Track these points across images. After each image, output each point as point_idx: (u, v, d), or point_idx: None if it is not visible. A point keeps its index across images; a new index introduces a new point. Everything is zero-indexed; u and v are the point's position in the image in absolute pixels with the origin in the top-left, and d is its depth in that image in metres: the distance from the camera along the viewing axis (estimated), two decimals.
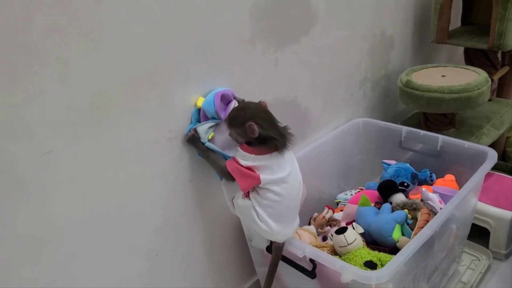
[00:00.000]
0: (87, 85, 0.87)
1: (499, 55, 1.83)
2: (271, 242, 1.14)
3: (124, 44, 0.90)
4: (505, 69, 1.80)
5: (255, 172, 0.97)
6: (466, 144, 1.38)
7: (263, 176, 0.97)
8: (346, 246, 1.12)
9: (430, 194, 1.28)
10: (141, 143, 1.00)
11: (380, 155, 1.58)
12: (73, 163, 0.89)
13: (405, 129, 1.52)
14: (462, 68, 1.65)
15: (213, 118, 1.06)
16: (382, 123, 1.58)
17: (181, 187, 1.12)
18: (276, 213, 1.00)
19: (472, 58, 1.82)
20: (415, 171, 1.43)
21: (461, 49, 2.18)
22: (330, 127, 1.57)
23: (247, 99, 1.11)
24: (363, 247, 1.14)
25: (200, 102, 1.07)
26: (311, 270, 1.05)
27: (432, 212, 1.18)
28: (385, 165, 1.48)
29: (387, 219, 1.17)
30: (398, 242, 1.15)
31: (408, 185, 1.40)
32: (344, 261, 1.08)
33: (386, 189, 1.34)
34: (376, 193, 1.38)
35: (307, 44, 1.35)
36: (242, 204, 1.02)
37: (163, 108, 1.01)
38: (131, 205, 1.02)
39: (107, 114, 0.91)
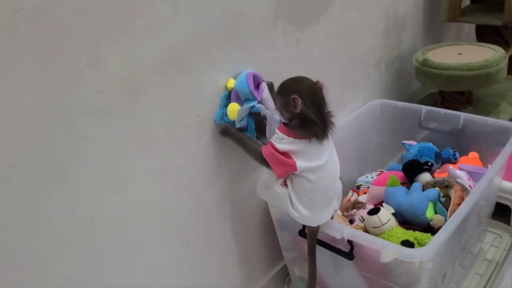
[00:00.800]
0: (118, 68, 0.83)
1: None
2: (304, 226, 1.12)
3: (153, 24, 0.87)
4: None
5: (292, 158, 0.93)
6: (489, 120, 1.37)
7: (300, 163, 0.92)
8: (380, 226, 1.10)
9: (457, 171, 1.27)
10: (172, 128, 0.96)
11: (398, 136, 1.56)
12: (108, 150, 0.85)
13: (425, 108, 1.50)
14: (477, 45, 1.64)
15: (247, 100, 1.02)
16: (400, 103, 1.56)
17: (210, 174, 1.09)
18: (309, 201, 0.97)
19: (484, 35, 1.81)
20: (438, 150, 1.41)
21: (468, 27, 2.17)
22: (348, 110, 1.54)
23: (273, 82, 1.08)
24: (397, 227, 1.12)
25: (231, 83, 1.04)
26: (349, 252, 1.03)
27: (465, 189, 1.17)
28: (407, 146, 1.46)
29: (419, 198, 1.15)
30: (432, 220, 1.13)
31: (432, 164, 1.38)
32: None
33: (412, 169, 1.32)
34: (401, 173, 1.36)
35: (326, 24, 1.33)
36: (280, 191, 0.99)
37: (192, 91, 0.98)
38: (163, 193, 0.99)
39: (138, 98, 0.88)
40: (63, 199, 0.81)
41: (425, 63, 1.54)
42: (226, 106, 1.05)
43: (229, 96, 1.06)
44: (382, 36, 1.62)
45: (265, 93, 1.05)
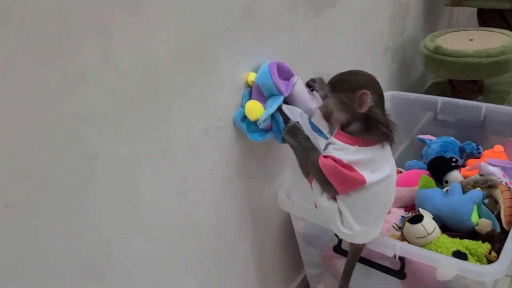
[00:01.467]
0: (133, 62, 0.65)
1: None
2: (340, 241, 0.97)
3: (170, 7, 0.68)
4: None
5: (356, 171, 0.76)
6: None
7: (368, 176, 0.77)
8: (426, 236, 0.97)
9: (490, 168, 1.16)
10: (192, 136, 0.79)
11: (411, 131, 1.45)
12: (122, 167, 0.67)
13: (441, 99, 1.39)
14: (487, 30, 1.55)
15: (272, 95, 0.86)
16: (413, 95, 1.44)
17: (230, 186, 0.92)
18: (366, 216, 0.82)
19: (487, 20, 1.73)
20: (462, 144, 1.31)
21: (466, 13, 2.10)
22: None
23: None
24: (443, 235, 0.99)
25: (252, 77, 0.87)
26: (400, 270, 0.89)
27: (509, 188, 1.06)
28: (427, 141, 1.34)
29: (463, 201, 1.03)
30: (477, 225, 1.02)
31: (457, 161, 1.27)
32: None
33: (440, 167, 1.20)
34: (425, 172, 1.24)
35: (341, 8, 1.18)
36: (326, 205, 0.82)
37: (212, 88, 0.81)
38: (183, 212, 0.82)
39: (156, 99, 0.70)
40: (69, 238, 0.62)
41: (437, 50, 1.43)
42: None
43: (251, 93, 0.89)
44: (390, 22, 1.50)
45: (298, 88, 0.88)
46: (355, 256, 0.91)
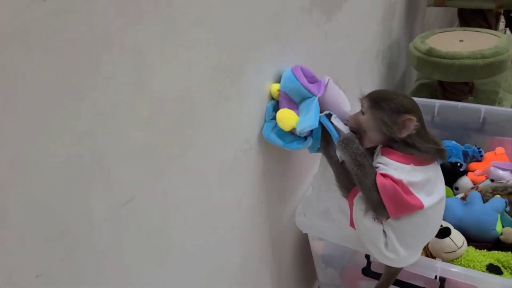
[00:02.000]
0: (166, 86, 0.55)
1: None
2: (369, 263, 0.91)
3: (205, 20, 0.59)
4: None
5: (414, 195, 0.69)
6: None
7: (425, 200, 0.70)
8: (455, 251, 0.93)
9: (501, 172, 1.15)
10: (222, 163, 0.70)
11: None
12: (157, 208, 0.57)
13: (438, 103, 1.36)
14: (474, 31, 1.55)
15: (304, 99, 0.77)
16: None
17: (255, 213, 0.84)
18: (414, 241, 0.75)
19: (469, 20, 1.73)
20: (464, 148, 1.29)
21: (432, 13, 2.11)
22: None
23: None
24: (470, 248, 0.96)
25: (276, 87, 0.78)
26: None
27: None
28: None
29: (486, 210, 1.00)
30: (502, 234, 0.99)
31: (461, 165, 1.25)
32: None
33: (450, 174, 1.17)
34: None
35: (346, 12, 1.11)
36: (371, 226, 0.74)
37: (240, 108, 0.72)
38: (214, 249, 0.72)
39: (190, 126, 0.60)
40: None
41: (431, 52, 1.40)
42: (274, 118, 0.79)
43: (276, 106, 0.80)
44: (381, 25, 1.46)
45: (331, 89, 0.80)
46: (391, 279, 0.85)
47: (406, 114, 0.69)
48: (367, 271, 0.91)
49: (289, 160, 0.94)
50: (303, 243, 1.05)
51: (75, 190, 0.45)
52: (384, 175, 0.70)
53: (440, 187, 0.74)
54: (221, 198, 0.71)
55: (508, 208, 1.03)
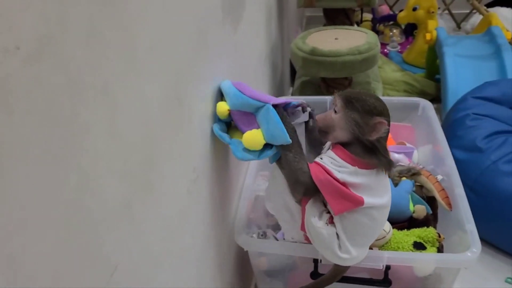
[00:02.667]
0: (134, 125, 0.47)
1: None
2: (316, 267, 0.92)
3: (155, 43, 0.52)
4: (367, 24, 1.93)
5: (353, 192, 0.71)
6: (395, 99, 1.42)
7: (367, 199, 0.72)
8: (385, 236, 0.99)
9: (396, 155, 1.27)
10: (179, 202, 0.63)
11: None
12: (141, 274, 0.48)
13: (329, 99, 1.44)
14: (345, 29, 1.67)
15: (258, 108, 0.73)
16: (302, 98, 1.47)
17: (206, 241, 0.78)
18: (363, 240, 0.79)
19: (333, 18, 1.87)
20: None
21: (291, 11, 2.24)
22: None
23: None
24: (394, 231, 1.04)
25: (224, 108, 0.74)
26: (385, 278, 0.89)
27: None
28: None
29: (399, 193, 1.09)
30: (414, 212, 1.10)
31: None
32: None
33: None
34: None
35: (245, 22, 1.11)
36: (324, 230, 0.75)
37: (187, 136, 0.66)
38: None
39: (153, 169, 0.53)
40: None
41: (314, 52, 1.48)
42: (232, 136, 0.76)
43: (224, 125, 0.76)
44: (265, 28, 1.49)
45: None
46: (337, 276, 0.87)
47: (377, 117, 0.71)
48: (315, 275, 0.92)
49: (230, 181, 0.91)
50: (243, 260, 1.02)
51: (66, 263, 0.36)
52: (318, 169, 0.71)
53: (384, 194, 0.77)
54: (181, 240, 0.64)
55: (414, 188, 1.15)
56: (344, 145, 0.74)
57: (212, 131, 0.75)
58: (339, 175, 0.71)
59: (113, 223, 0.43)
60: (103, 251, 0.41)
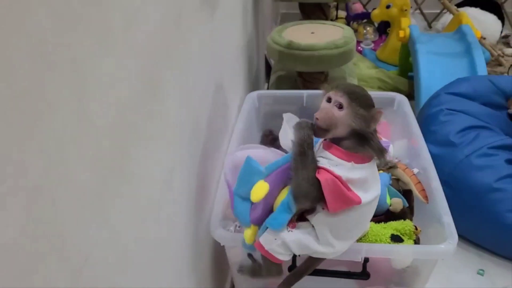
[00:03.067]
0: (104, 107, 0.44)
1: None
2: (295, 261, 0.90)
3: (129, 20, 0.49)
4: (341, 22, 1.92)
5: (352, 190, 0.70)
6: (373, 94, 1.41)
7: (363, 197, 0.71)
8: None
9: None
10: (153, 192, 0.60)
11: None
12: (112, 269, 0.45)
13: (306, 93, 1.44)
14: (321, 23, 1.67)
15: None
16: (278, 92, 1.47)
17: (182, 235, 0.75)
18: (347, 234, 0.78)
19: (309, 13, 1.87)
20: None
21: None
22: (233, 106, 1.34)
23: None
24: (372, 223, 1.03)
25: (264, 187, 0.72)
26: (363, 271, 0.88)
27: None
28: None
29: None
30: (391, 205, 1.09)
31: None
32: None
33: None
34: None
35: (222, 9, 1.08)
36: (296, 237, 0.74)
37: (163, 123, 0.63)
38: None
39: (126, 156, 0.50)
40: None
41: (291, 46, 1.46)
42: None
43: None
44: (241, 20, 1.46)
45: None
46: (311, 268, 0.86)
47: (375, 108, 0.72)
48: (293, 269, 0.90)
49: (207, 173, 0.88)
50: (221, 255, 1.00)
51: (30, 258, 0.33)
52: (325, 170, 0.70)
53: (376, 185, 0.77)
54: (156, 232, 0.61)
55: (391, 181, 1.15)
56: (336, 142, 0.73)
57: (187, 121, 0.72)
58: (342, 173, 0.70)
59: (82, 213, 0.40)
60: (70, 242, 0.38)
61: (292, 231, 0.75)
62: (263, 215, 0.76)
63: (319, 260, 0.85)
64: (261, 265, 0.82)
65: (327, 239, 0.75)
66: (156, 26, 0.58)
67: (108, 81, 0.44)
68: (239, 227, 0.96)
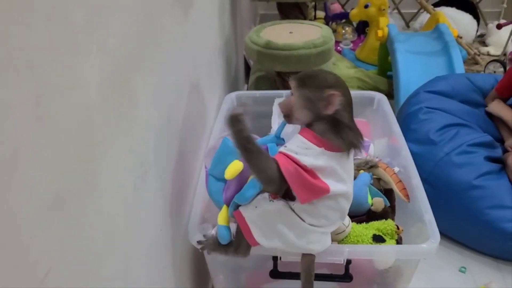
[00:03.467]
0: (67, 109, 0.41)
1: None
2: (276, 265, 0.88)
3: (89, 20, 0.46)
4: (321, 21, 1.92)
5: (319, 178, 0.68)
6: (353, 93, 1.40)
7: (332, 185, 0.70)
8: (344, 230, 0.97)
9: None
10: (125, 197, 0.57)
11: (263, 128, 1.44)
12: (76, 279, 0.42)
13: (285, 93, 1.41)
14: (299, 23, 1.65)
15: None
16: (258, 92, 1.43)
17: (155, 242, 0.72)
18: (326, 223, 0.76)
19: (287, 12, 1.86)
20: None
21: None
22: (211, 107, 1.31)
23: None
24: (353, 224, 1.02)
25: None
26: (345, 273, 0.87)
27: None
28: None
29: (358, 187, 1.06)
30: (372, 205, 1.08)
31: None
32: None
33: None
34: None
35: (196, 8, 1.05)
36: (273, 207, 0.72)
37: (133, 124, 0.60)
38: None
39: (93, 160, 0.47)
40: None
41: (269, 45, 1.45)
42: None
43: None
44: (218, 20, 1.44)
45: None
46: (310, 268, 0.83)
47: (329, 89, 0.69)
48: (274, 273, 0.88)
49: (183, 177, 0.85)
50: (200, 260, 0.97)
51: None
52: (285, 156, 0.68)
53: (349, 180, 0.76)
54: (127, 240, 0.58)
55: (372, 181, 1.13)
56: (309, 126, 0.72)
57: (159, 123, 0.69)
58: (306, 160, 0.68)
59: (42, 222, 0.37)
60: (30, 254, 0.35)
61: (273, 201, 0.73)
62: (235, 195, 0.75)
63: (312, 262, 0.82)
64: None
65: (309, 221, 0.74)
66: (124, 25, 0.55)
67: (70, 81, 0.41)
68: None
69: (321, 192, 0.69)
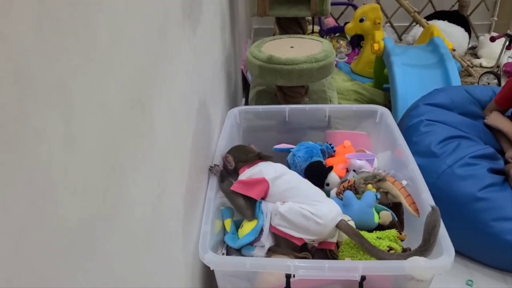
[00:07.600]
0: (94, 130, 0.40)
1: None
2: (289, 283, 0.86)
3: (114, 38, 0.45)
4: (317, 35, 1.92)
5: (255, 177, 1.03)
6: (353, 107, 1.41)
7: (269, 176, 1.02)
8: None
9: (358, 162, 1.25)
10: (144, 219, 0.55)
11: (265, 142, 1.44)
12: None
13: (288, 108, 1.42)
14: (299, 37, 1.66)
15: None
16: (260, 107, 1.43)
17: (174, 263, 0.70)
18: (307, 200, 0.99)
19: (286, 27, 1.86)
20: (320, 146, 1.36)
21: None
22: (215, 123, 1.30)
23: None
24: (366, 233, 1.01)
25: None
26: None
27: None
28: (291, 150, 1.34)
29: (362, 209, 1.04)
30: (380, 220, 1.07)
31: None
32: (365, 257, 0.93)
33: (320, 172, 1.22)
34: None
35: (203, 25, 1.05)
36: (284, 208, 0.97)
37: (150, 144, 0.58)
38: None
39: (115, 183, 0.45)
40: None
41: (271, 60, 1.44)
42: None
43: None
44: (220, 35, 1.43)
45: None
46: (353, 230, 0.97)
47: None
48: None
49: (193, 195, 0.84)
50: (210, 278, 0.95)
51: None
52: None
53: (271, 171, 1.06)
54: (148, 263, 0.56)
55: (379, 196, 1.12)
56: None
57: (173, 141, 0.68)
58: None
59: (71, 247, 0.35)
60: (58, 280, 0.33)
61: (284, 204, 0.98)
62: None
63: (347, 225, 0.99)
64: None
65: (306, 209, 0.95)
66: (142, 40, 0.54)
67: (95, 101, 0.40)
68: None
69: (260, 183, 1.02)
